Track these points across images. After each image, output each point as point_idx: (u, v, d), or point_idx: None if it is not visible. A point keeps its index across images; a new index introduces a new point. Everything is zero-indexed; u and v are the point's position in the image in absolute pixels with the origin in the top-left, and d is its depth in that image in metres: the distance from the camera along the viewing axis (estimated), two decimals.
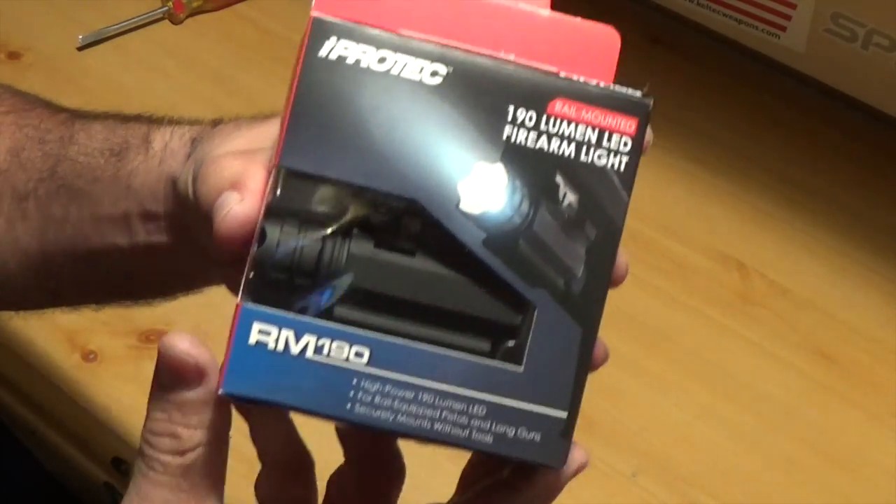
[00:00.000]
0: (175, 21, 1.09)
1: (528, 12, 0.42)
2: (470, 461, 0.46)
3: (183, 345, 0.40)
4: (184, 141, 0.54)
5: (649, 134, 0.42)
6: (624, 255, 0.42)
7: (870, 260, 0.92)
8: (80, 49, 1.05)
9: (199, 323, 0.78)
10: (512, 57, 0.42)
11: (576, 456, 0.42)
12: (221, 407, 0.41)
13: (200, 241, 0.49)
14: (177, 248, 0.53)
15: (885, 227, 0.94)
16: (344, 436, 0.46)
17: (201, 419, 0.41)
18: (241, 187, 0.43)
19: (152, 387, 0.41)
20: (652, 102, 0.41)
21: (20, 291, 0.60)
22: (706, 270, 0.91)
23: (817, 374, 0.85)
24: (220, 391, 0.39)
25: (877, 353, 0.87)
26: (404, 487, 0.46)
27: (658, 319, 0.87)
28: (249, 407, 0.44)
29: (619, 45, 0.42)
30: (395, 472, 0.47)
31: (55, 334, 0.84)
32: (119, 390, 0.81)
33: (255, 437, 0.46)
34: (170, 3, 1.08)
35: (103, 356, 0.83)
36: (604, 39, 0.43)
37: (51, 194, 0.57)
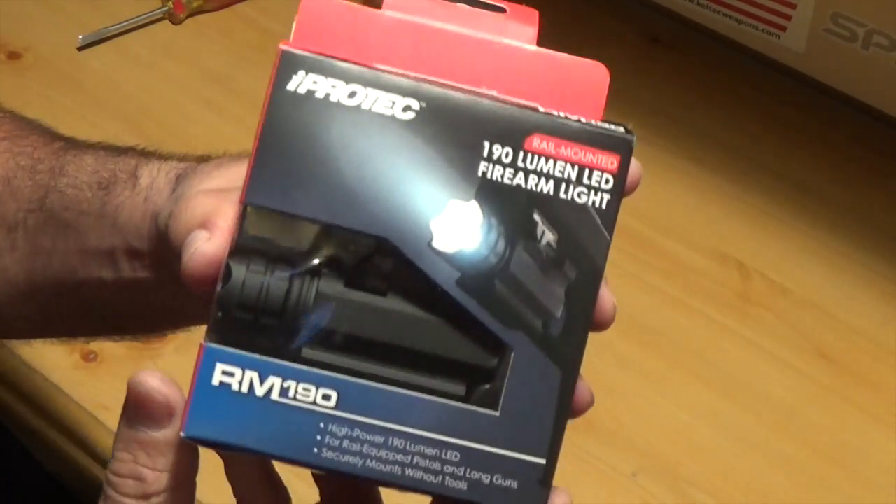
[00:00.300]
0: (175, 21, 1.09)
1: (513, 47, 0.41)
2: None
3: (153, 382, 0.39)
4: (169, 178, 0.53)
5: (638, 171, 0.41)
6: (611, 296, 0.41)
7: (870, 260, 0.92)
8: (80, 49, 1.05)
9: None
10: (494, 93, 0.40)
11: (556, 502, 0.41)
12: (188, 450, 0.40)
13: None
14: (161, 285, 0.53)
15: (885, 227, 0.94)
16: (318, 476, 0.45)
17: (168, 461, 0.40)
18: (210, 226, 0.42)
19: (119, 425, 0.40)
20: (635, 139, 0.40)
21: (6, 321, 0.59)
22: (706, 270, 0.91)
23: (817, 374, 0.85)
24: (182, 434, 0.38)
25: (877, 353, 0.86)
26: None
27: (658, 319, 0.87)
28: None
29: (607, 81, 0.41)
30: None
31: None
32: (119, 390, 0.80)
33: (231, 476, 0.45)
34: (170, 3, 1.08)
35: (103, 356, 0.83)
36: (592, 75, 0.42)
37: (39, 225, 0.57)
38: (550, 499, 0.40)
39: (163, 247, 0.51)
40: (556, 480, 0.85)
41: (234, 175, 0.49)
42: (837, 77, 1.00)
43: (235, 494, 0.45)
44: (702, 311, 0.88)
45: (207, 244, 0.41)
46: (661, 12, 1.08)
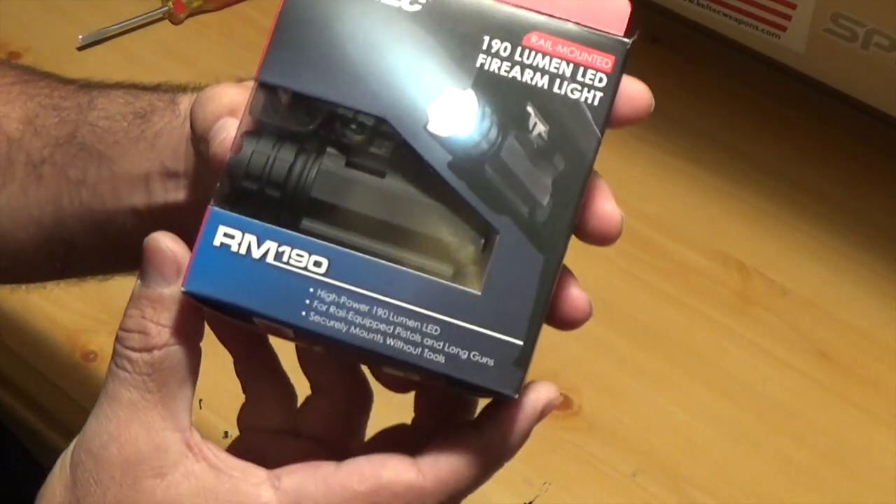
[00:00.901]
0: (175, 21, 1.09)
1: None
2: (420, 385, 0.46)
3: (165, 239, 0.42)
4: None
5: (648, 97, 0.43)
6: (619, 211, 0.43)
7: (870, 260, 0.92)
8: (80, 49, 1.05)
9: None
10: None
11: (542, 393, 0.42)
12: (192, 309, 0.42)
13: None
14: (191, 210, 0.54)
15: (885, 227, 0.94)
16: (307, 365, 0.47)
17: (171, 317, 0.42)
18: (238, 114, 0.44)
19: (134, 286, 0.43)
20: (631, 42, 0.42)
21: (28, 262, 0.60)
22: (706, 270, 0.91)
23: (817, 374, 0.85)
24: (183, 289, 0.41)
25: (877, 353, 0.87)
26: None
27: (658, 319, 0.87)
28: (232, 342, 0.46)
29: (628, 12, 0.43)
30: (360, 397, 0.47)
31: (55, 334, 0.84)
32: None
33: (239, 371, 0.47)
34: (170, 3, 1.08)
35: (103, 356, 0.83)
36: (614, 7, 0.43)
37: (68, 159, 0.58)
38: (535, 390, 0.42)
39: (198, 165, 0.52)
40: (556, 479, 0.85)
41: None
42: (837, 77, 1.00)
43: (245, 391, 0.47)
44: (702, 311, 0.88)
45: (237, 132, 0.43)
46: (661, 12, 1.08)
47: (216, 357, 0.49)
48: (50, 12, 1.09)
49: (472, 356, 0.40)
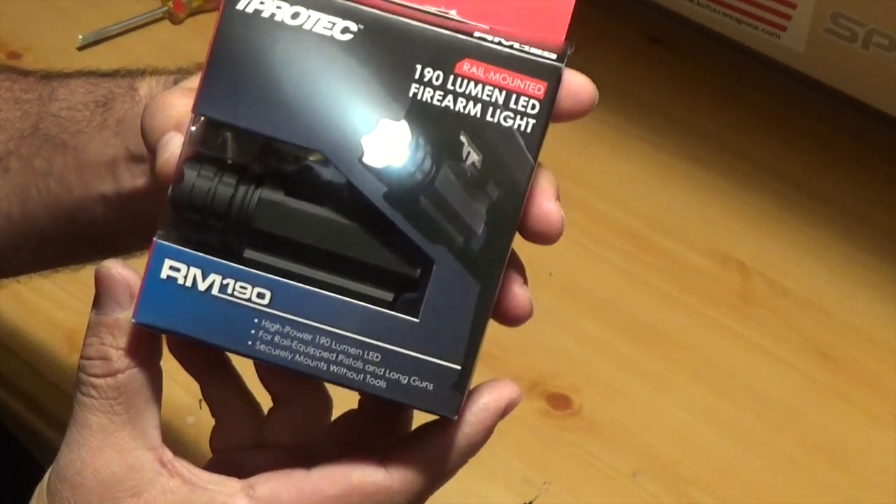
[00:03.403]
0: (175, 21, 1.09)
1: None
2: None
3: (116, 266, 0.43)
4: (167, 85, 0.56)
5: (591, 92, 0.42)
6: (559, 209, 0.43)
7: (870, 260, 0.92)
8: (80, 49, 1.05)
9: None
10: (453, 13, 0.43)
11: (504, 392, 0.43)
12: (149, 333, 0.43)
13: None
14: (158, 194, 0.55)
15: (884, 226, 0.94)
16: (267, 379, 0.48)
17: (130, 341, 0.43)
18: (184, 129, 0.44)
19: (90, 315, 0.43)
20: (564, 66, 0.42)
21: (2, 256, 0.60)
22: (706, 270, 0.91)
23: (817, 374, 0.85)
24: (133, 320, 0.42)
25: (877, 353, 0.86)
26: None
27: (658, 319, 0.87)
28: (196, 369, 0.47)
29: (572, 4, 0.43)
30: (319, 404, 0.48)
31: (54, 334, 0.84)
32: None
33: (206, 395, 0.47)
34: (170, 3, 1.08)
35: None
36: (558, 3, 0.44)
37: (33, 150, 0.58)
38: (499, 388, 0.43)
39: None
40: (556, 479, 0.85)
41: None
42: (837, 77, 1.00)
43: (213, 414, 0.48)
44: (702, 311, 0.88)
45: (179, 160, 0.44)
46: (661, 12, 1.08)
47: None
48: (50, 12, 1.09)
49: (412, 381, 0.42)
